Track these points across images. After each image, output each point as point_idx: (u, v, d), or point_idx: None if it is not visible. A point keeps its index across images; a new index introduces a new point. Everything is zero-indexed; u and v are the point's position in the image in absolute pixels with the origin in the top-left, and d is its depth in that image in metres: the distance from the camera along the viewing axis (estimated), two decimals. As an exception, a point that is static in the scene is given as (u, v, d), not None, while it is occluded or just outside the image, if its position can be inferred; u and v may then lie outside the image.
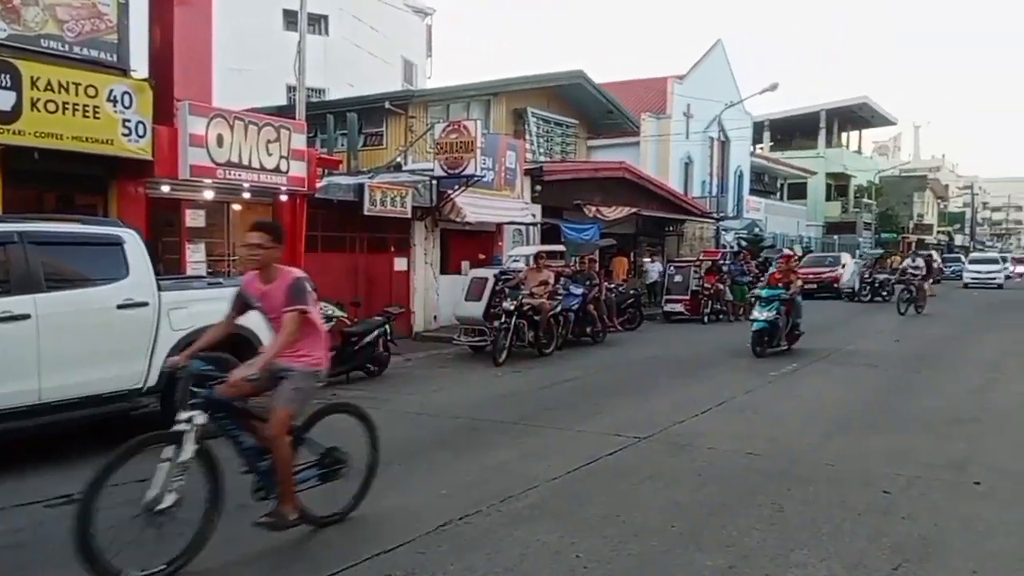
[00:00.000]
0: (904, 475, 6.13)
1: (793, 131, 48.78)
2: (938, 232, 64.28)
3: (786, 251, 17.94)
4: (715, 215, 29.05)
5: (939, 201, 68.72)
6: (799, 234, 43.09)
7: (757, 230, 34.27)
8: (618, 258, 22.20)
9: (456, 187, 15.59)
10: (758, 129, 41.94)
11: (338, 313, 10.69)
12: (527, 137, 22.62)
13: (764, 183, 41.82)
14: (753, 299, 13.64)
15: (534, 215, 18.88)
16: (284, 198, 12.01)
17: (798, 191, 45.96)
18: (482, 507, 5.30)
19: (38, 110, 8.76)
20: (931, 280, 26.67)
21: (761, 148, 45.89)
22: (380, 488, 5.86)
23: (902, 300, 21.05)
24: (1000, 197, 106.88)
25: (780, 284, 13.39)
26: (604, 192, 21.37)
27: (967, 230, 75.77)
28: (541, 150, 23.78)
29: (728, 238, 30.64)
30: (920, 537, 4.84)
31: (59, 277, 6.52)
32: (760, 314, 12.85)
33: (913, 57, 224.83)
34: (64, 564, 4.43)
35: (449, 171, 15.19)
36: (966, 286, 35.62)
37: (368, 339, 10.86)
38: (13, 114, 8.58)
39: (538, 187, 19.18)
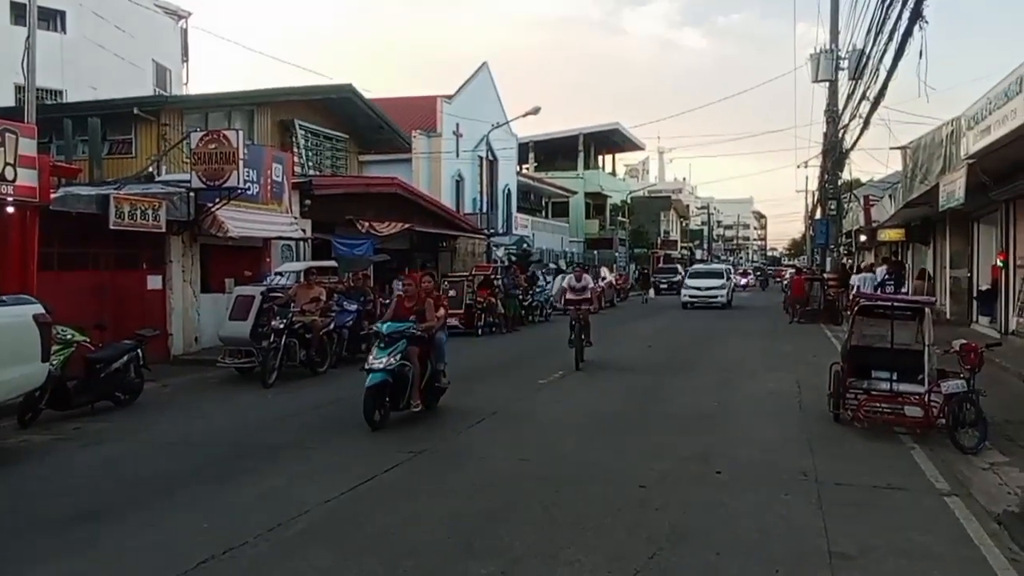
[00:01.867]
0: (657, 470, 6.64)
1: (555, 153, 51.66)
2: (682, 247, 71.10)
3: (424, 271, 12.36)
4: (486, 231, 29.94)
5: (682, 220, 76.15)
6: (563, 249, 45.69)
7: (525, 245, 35.82)
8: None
9: (217, 200, 14.68)
10: (523, 150, 43.98)
11: (78, 338, 9.59)
12: (295, 150, 21.86)
13: (530, 201, 43.88)
14: (375, 338, 9.00)
15: (304, 230, 18.28)
16: (11, 210, 10.58)
17: (561, 209, 48.75)
18: (248, 538, 4.99)
19: None
20: (604, 303, 24.11)
21: (527, 168, 48.16)
22: (132, 527, 5.36)
23: (570, 341, 13.48)
24: (731, 216, 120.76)
25: (410, 315, 9.00)
26: (377, 207, 21.21)
27: (705, 245, 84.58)
28: (310, 164, 23.10)
29: (499, 253, 31.70)
30: (671, 525, 5.25)
31: None
32: (377, 361, 8.43)
33: (654, 91, 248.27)
34: None
35: (208, 183, 14.25)
36: (685, 306, 29.71)
37: (116, 365, 9.86)
38: None
39: (307, 201, 18.59)
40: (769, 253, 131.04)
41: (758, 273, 64.02)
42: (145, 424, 9.02)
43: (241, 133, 14.81)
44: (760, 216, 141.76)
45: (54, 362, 8.39)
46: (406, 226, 21.89)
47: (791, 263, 76.11)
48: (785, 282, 36.94)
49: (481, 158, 31.82)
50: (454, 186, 30.46)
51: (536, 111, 29.39)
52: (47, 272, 11.54)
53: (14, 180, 10.21)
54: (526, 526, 5.25)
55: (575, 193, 49.02)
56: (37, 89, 12.88)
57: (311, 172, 22.14)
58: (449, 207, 27.46)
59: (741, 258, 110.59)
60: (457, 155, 29.86)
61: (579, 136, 50.72)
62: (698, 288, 30.25)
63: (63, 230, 12.26)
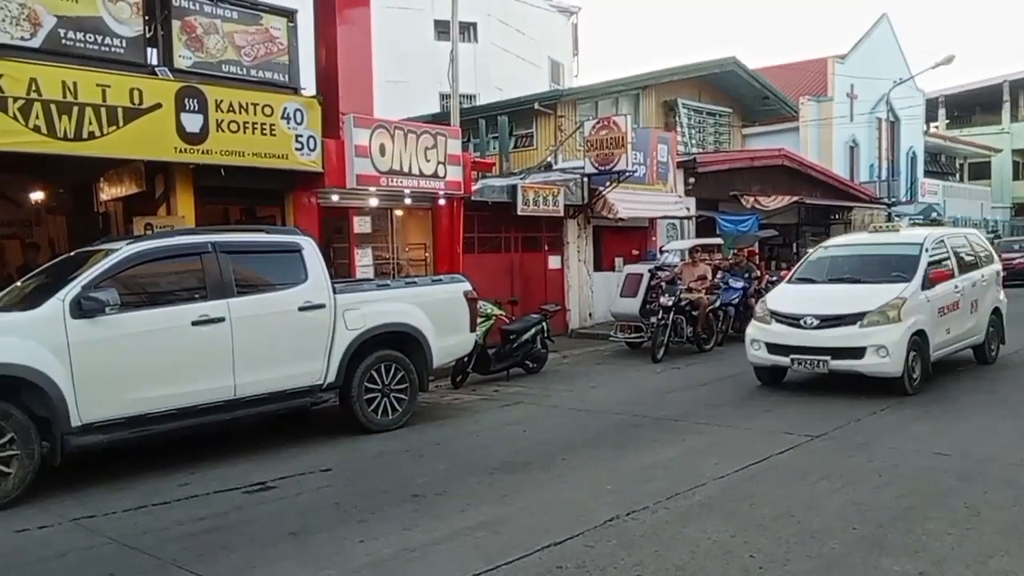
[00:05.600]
0: (1124, 480, 5.48)
1: (972, 106, 44.72)
2: None
3: None
4: (886, 200, 27.21)
5: None
6: (983, 217, 39.50)
7: (935, 215, 31.75)
8: None
9: (607, 183, 15.53)
10: (932, 106, 38.89)
11: (496, 311, 10.94)
12: (678, 129, 22.12)
13: (940, 164, 38.71)
14: None
15: (688, 208, 18.47)
16: (442, 202, 12.43)
17: (980, 171, 42.13)
18: (648, 504, 5.25)
19: (222, 130, 9.53)
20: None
21: (935, 126, 42.45)
22: (545, 480, 5.96)
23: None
24: None
25: None
26: (762, 181, 20.55)
27: None
28: (693, 141, 23.19)
29: (902, 224, 28.58)
30: None
31: (247, 282, 7.09)
32: None
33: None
34: (265, 544, 4.83)
35: (600, 168, 15.16)
36: (762, 376, 9.76)
37: (526, 336, 11.03)
38: (201, 135, 9.37)
39: (691, 179, 18.76)
40: None
41: None
42: (551, 390, 9.96)
43: (629, 118, 15.46)
44: None
45: (479, 332, 9.67)
46: (794, 199, 20.85)
47: None
48: None
49: (879, 120, 28.90)
50: (847, 153, 28.15)
51: (949, 60, 25.77)
52: (469, 254, 13.30)
53: (445, 176, 11.95)
54: (946, 526, 4.73)
55: (999, 151, 41.95)
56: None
57: (694, 149, 22.22)
58: (842, 176, 25.46)
59: None
60: (851, 119, 27.50)
61: (1003, 84, 43.21)
62: (796, 320, 8.86)
63: (481, 217, 14.02)
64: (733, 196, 19.62)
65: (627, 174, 15.20)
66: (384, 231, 12.54)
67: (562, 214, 15.29)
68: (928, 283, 8.92)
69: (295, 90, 10.81)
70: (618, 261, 16.91)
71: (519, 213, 14.20)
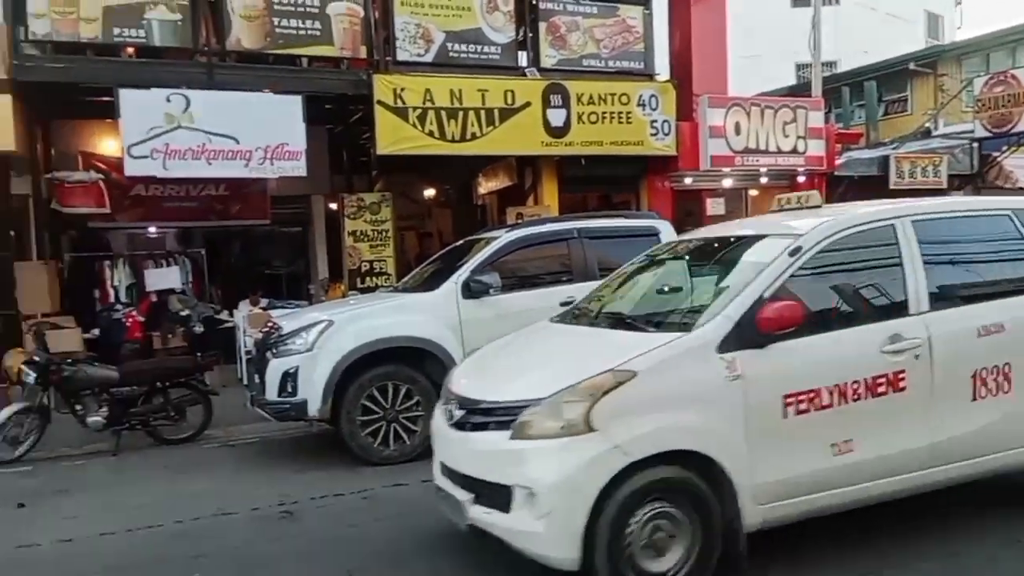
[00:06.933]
0: None
1: None
2: None
3: None
4: None
5: None
6: None
7: None
8: None
9: (1004, 148, 13.49)
10: None
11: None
12: (1102, 76, 18.26)
13: None
14: None
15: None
16: (802, 179, 11.76)
17: None
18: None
19: (583, 122, 10.07)
20: None
21: None
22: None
23: None
24: None
25: None
26: None
27: None
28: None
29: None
30: None
31: (609, 267, 7.32)
32: None
33: None
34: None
35: (994, 131, 13.29)
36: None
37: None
38: (565, 129, 10.01)
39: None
40: None
41: None
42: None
43: (1033, 69, 13.20)
44: None
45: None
46: None
47: None
48: None
49: None
50: None
51: None
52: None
53: (805, 151, 11.33)
54: None
55: None
56: (817, 64, 13.89)
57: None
58: None
59: None
60: None
61: None
62: (446, 404, 4.26)
63: (846, 193, 12.96)
64: None
65: (1031, 135, 13.02)
66: (738, 212, 12.22)
67: (945, 185, 13.61)
68: (756, 334, 3.60)
69: (650, 76, 10.99)
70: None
71: (892, 187, 12.96)
